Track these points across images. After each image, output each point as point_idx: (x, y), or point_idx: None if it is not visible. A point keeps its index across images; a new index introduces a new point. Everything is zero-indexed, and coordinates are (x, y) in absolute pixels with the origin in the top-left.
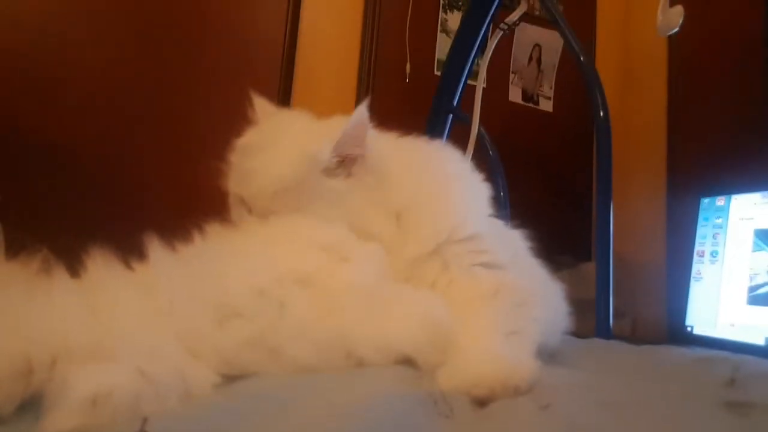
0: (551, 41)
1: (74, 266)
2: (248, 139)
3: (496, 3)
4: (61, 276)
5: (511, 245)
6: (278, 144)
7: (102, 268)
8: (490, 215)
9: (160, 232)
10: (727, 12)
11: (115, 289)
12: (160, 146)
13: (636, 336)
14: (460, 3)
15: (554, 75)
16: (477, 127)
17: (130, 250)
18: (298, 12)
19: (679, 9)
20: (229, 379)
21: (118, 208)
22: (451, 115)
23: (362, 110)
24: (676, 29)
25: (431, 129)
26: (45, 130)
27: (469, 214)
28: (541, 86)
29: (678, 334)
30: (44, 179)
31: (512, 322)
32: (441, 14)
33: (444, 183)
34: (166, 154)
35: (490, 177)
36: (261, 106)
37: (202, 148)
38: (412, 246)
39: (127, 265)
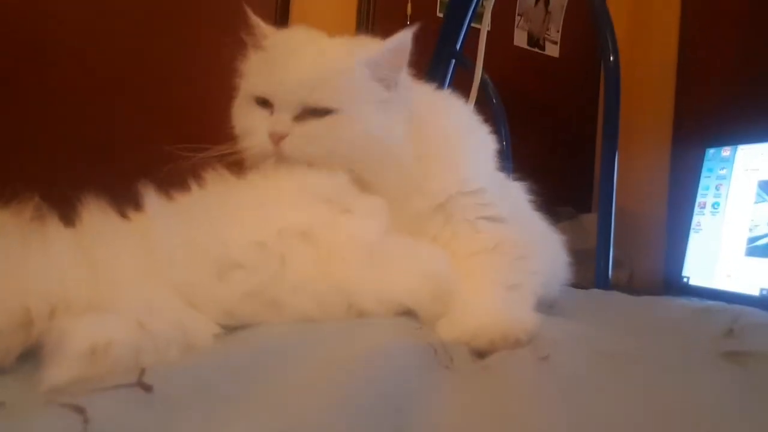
0: None
1: (68, 215)
2: (272, 41)
3: None
4: (56, 226)
5: (513, 198)
6: (313, 44)
7: (97, 217)
8: (495, 169)
9: (156, 180)
10: None
11: (113, 240)
12: (153, 92)
13: (632, 286)
14: None
15: (562, 17)
16: (480, 74)
17: (125, 200)
18: None
19: None
20: (230, 330)
21: (110, 155)
22: (453, 60)
23: (407, 34)
24: None
25: (433, 74)
26: (35, 80)
27: (478, 169)
28: (547, 29)
29: (674, 285)
30: (36, 128)
31: (513, 276)
32: None
33: (456, 136)
34: (160, 100)
35: (493, 124)
36: (259, 24)
37: (195, 93)
38: (421, 198)
39: (123, 214)
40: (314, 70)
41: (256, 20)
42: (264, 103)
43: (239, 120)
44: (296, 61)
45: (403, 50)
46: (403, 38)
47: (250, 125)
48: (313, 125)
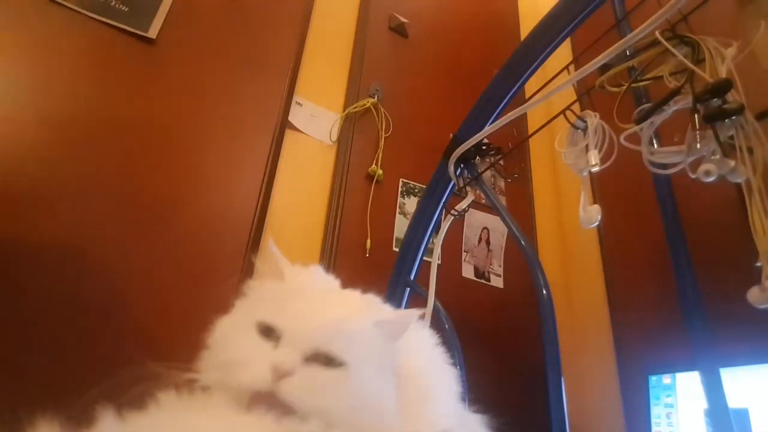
0: (498, 225)
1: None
2: (294, 277)
3: (446, 194)
4: None
5: None
6: (333, 292)
7: None
8: (457, 407)
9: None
10: (634, 212)
11: None
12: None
13: None
14: (416, 191)
15: (502, 254)
16: (432, 301)
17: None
18: (269, 195)
19: (596, 207)
20: None
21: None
22: (408, 288)
23: (414, 313)
24: (596, 223)
25: (390, 300)
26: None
27: (446, 409)
28: (491, 264)
29: None
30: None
31: None
32: (399, 199)
33: (427, 378)
34: (135, 319)
35: (446, 349)
36: (280, 256)
37: (169, 309)
38: None
39: None
40: (338, 320)
41: (278, 252)
42: (268, 333)
43: (232, 344)
44: (321, 305)
45: (408, 323)
46: (411, 314)
47: (248, 354)
48: (321, 372)
